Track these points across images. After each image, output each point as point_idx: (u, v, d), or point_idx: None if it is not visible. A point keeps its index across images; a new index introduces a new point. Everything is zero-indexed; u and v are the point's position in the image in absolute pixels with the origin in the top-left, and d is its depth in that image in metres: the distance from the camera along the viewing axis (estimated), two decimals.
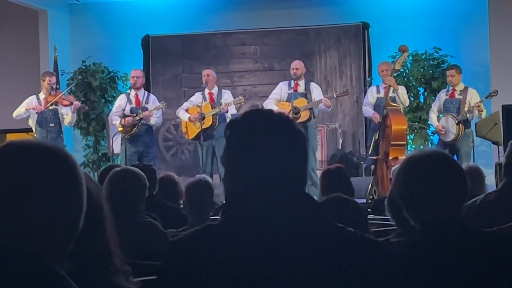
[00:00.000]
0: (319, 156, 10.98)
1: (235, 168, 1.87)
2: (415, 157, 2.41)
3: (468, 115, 9.96)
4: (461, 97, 10.10)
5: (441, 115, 10.23)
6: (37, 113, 10.29)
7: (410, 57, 11.42)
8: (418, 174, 2.35)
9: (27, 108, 10.37)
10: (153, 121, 10.48)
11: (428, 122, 10.72)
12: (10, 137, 12.21)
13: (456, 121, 9.90)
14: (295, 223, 1.79)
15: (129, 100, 10.52)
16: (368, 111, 10.33)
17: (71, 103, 10.42)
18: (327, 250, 1.77)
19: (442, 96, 10.33)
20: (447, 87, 10.49)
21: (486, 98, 10.01)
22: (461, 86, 10.20)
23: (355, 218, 3.11)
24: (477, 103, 9.86)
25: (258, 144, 1.84)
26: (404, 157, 2.48)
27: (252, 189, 1.83)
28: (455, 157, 8.79)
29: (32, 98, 10.49)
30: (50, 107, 10.33)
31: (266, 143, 1.84)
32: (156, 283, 1.91)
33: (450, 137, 9.94)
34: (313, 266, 1.75)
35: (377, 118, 9.99)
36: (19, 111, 10.44)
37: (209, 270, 1.77)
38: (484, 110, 9.94)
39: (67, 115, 10.47)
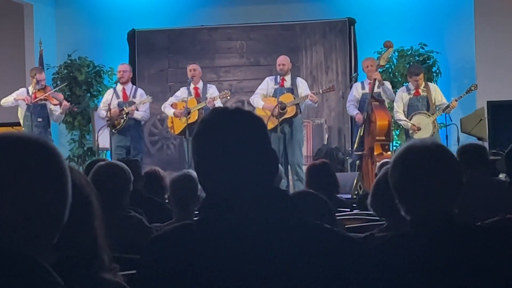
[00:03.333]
0: (304, 151, 10.97)
1: (204, 169, 1.89)
2: (416, 146, 2.38)
3: (439, 111, 9.93)
4: (425, 93, 10.06)
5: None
6: (27, 104, 10.21)
7: (396, 53, 11.45)
8: (418, 165, 2.32)
9: (16, 98, 10.29)
10: (138, 115, 10.41)
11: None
12: None
13: (432, 119, 9.88)
14: (266, 217, 1.79)
15: (116, 94, 10.49)
16: (352, 109, 10.31)
17: (60, 103, 10.37)
18: (301, 245, 1.77)
19: (404, 95, 10.16)
20: (405, 85, 10.45)
21: (466, 93, 9.98)
22: (423, 84, 10.20)
23: (321, 213, 3.11)
24: (454, 99, 9.87)
25: (217, 143, 1.84)
26: (403, 145, 2.45)
27: (221, 187, 1.84)
28: None
29: (23, 90, 10.45)
30: (39, 102, 10.29)
31: (225, 140, 1.84)
32: (134, 280, 1.93)
33: (427, 134, 9.85)
34: (288, 261, 1.75)
35: (360, 119, 10.00)
36: (8, 99, 10.36)
37: (185, 267, 1.78)
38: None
39: (56, 111, 10.43)
